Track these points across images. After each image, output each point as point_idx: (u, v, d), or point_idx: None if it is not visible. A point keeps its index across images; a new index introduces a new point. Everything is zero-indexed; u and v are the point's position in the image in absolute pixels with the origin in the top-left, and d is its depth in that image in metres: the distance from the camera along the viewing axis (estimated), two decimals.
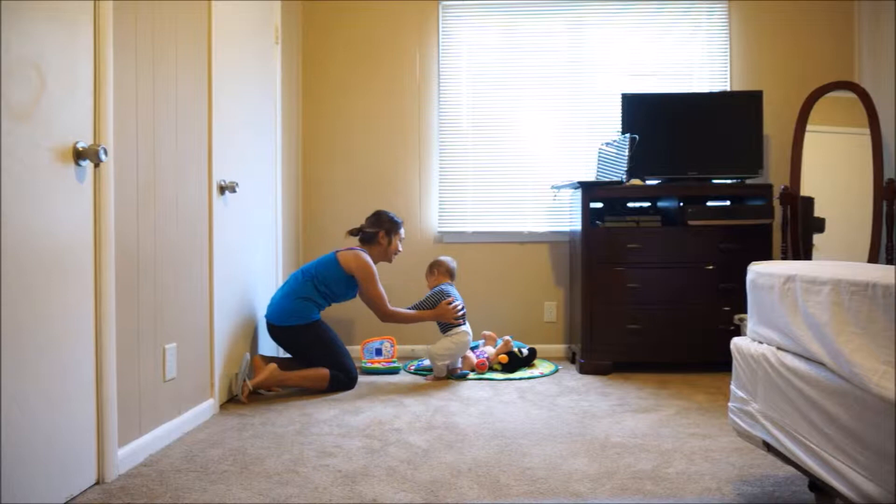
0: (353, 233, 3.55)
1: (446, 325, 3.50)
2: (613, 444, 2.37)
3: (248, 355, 3.17)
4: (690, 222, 3.54)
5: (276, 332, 3.26)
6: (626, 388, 3.25)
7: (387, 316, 3.41)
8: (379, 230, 3.51)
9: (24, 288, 1.69)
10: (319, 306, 3.32)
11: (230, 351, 3.02)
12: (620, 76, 4.11)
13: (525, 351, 3.70)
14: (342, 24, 4.18)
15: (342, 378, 3.19)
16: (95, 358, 1.99)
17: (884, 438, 1.27)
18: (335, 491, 1.96)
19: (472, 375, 3.49)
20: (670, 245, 3.59)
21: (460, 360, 3.54)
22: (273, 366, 3.12)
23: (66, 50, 1.86)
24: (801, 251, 3.79)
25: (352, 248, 3.42)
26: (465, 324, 3.52)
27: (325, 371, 3.16)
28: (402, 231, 3.60)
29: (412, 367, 3.70)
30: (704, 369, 3.53)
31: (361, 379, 3.42)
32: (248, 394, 2.99)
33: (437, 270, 3.68)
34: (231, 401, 3.00)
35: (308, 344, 3.24)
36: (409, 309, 3.51)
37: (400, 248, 3.59)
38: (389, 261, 3.59)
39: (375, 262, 3.47)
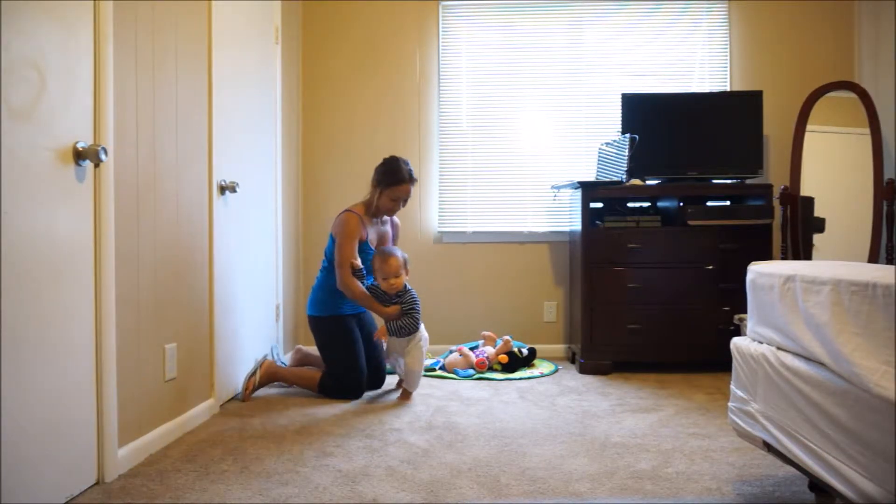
0: None
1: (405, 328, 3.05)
2: (613, 444, 2.37)
3: (269, 355, 3.19)
4: (690, 222, 3.54)
5: (308, 321, 3.22)
6: (625, 388, 3.25)
7: (342, 285, 3.00)
8: (373, 177, 3.15)
9: (23, 287, 1.68)
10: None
11: (230, 351, 3.02)
12: (620, 76, 4.11)
13: (525, 351, 3.70)
14: (342, 24, 4.18)
15: (330, 386, 3.03)
16: (95, 358, 1.99)
17: (884, 438, 1.27)
18: (335, 491, 1.96)
19: (475, 375, 3.50)
20: (670, 245, 3.59)
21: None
22: (268, 361, 3.13)
23: (66, 50, 1.86)
24: (801, 251, 3.79)
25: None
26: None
27: (317, 374, 3.10)
28: (402, 190, 3.09)
29: None
30: (704, 369, 3.53)
31: None
32: (251, 390, 3.00)
33: (407, 270, 3.13)
34: (231, 401, 3.00)
35: (319, 339, 3.15)
36: (374, 296, 3.06)
37: (392, 208, 3.14)
38: (378, 216, 3.18)
39: (375, 213, 3.15)
